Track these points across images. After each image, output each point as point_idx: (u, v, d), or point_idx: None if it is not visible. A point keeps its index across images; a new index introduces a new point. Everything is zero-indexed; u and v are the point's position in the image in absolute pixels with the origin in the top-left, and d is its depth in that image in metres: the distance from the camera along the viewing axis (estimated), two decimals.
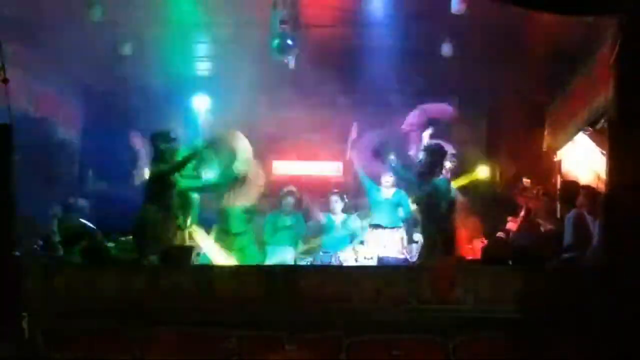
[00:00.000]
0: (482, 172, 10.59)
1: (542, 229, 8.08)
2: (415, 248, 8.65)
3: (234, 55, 8.95)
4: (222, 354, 5.81)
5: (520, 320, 5.67)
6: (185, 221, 8.38)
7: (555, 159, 10.12)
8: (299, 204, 9.64)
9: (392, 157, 9.15)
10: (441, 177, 7.87)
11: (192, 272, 6.35)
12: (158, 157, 7.93)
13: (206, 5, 7.99)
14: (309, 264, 8.63)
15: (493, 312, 5.70)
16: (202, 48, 9.50)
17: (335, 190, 9.78)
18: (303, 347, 5.79)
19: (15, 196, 5.68)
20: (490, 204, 10.27)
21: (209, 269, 7.12)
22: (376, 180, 9.21)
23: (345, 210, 9.51)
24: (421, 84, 10.05)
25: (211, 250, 8.78)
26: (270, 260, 8.86)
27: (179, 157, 8.01)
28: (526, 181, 8.90)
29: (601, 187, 7.33)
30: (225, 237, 9.13)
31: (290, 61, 8.75)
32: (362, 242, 9.06)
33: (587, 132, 8.43)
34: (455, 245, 7.75)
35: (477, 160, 10.75)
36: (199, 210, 9.24)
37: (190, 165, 8.24)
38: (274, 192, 10.15)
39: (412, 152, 8.91)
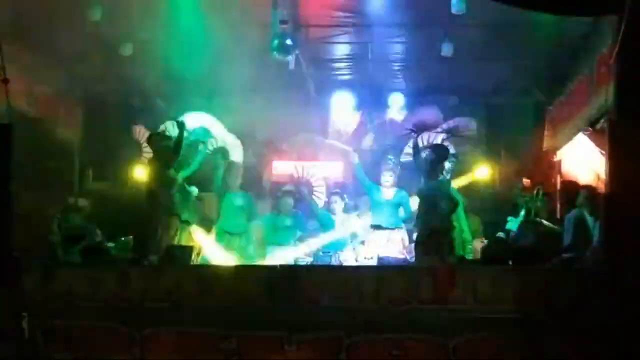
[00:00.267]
0: (482, 172, 10.60)
1: (542, 229, 8.07)
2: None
3: (234, 55, 8.94)
4: (222, 354, 5.81)
5: (520, 320, 5.66)
6: (188, 217, 8.43)
7: (555, 159, 10.13)
8: (300, 202, 9.64)
9: (390, 156, 9.19)
10: (442, 177, 7.93)
11: (192, 272, 6.35)
12: (156, 157, 7.98)
13: (206, 5, 7.98)
14: (309, 264, 8.63)
15: (493, 312, 5.70)
16: (201, 48, 9.47)
17: (336, 190, 9.78)
18: (303, 347, 5.78)
19: (15, 196, 5.69)
20: (490, 204, 10.28)
21: (209, 269, 7.11)
22: (376, 181, 9.21)
23: (345, 210, 9.51)
24: (455, 100, 10.16)
25: (211, 250, 8.80)
26: (270, 260, 8.86)
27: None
28: (526, 181, 8.90)
29: (601, 187, 7.33)
30: (225, 237, 9.15)
31: (290, 61, 8.74)
32: (362, 242, 9.06)
33: (587, 132, 8.43)
34: (453, 244, 7.76)
35: (477, 160, 10.78)
36: (199, 211, 9.28)
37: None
38: (273, 192, 10.16)
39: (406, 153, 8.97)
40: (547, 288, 5.78)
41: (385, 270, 7.11)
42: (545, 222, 8.00)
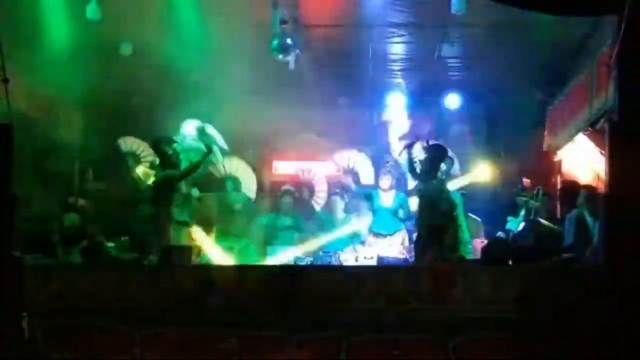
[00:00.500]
0: (482, 172, 10.60)
1: (542, 229, 8.08)
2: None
3: (233, 55, 8.94)
4: (222, 354, 5.81)
5: (520, 320, 5.66)
6: (189, 218, 8.45)
7: (555, 159, 10.13)
8: (300, 202, 9.64)
9: (388, 159, 9.20)
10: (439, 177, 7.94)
11: (192, 272, 6.35)
12: (162, 161, 8.00)
13: (206, 5, 7.98)
14: (309, 264, 8.62)
15: (493, 312, 5.70)
16: (201, 48, 9.48)
17: (336, 190, 9.78)
18: (303, 347, 5.78)
19: (15, 196, 5.69)
20: (490, 204, 10.28)
21: (209, 269, 7.11)
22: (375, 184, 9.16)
23: (345, 210, 9.51)
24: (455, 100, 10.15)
25: (211, 250, 8.80)
26: (270, 260, 8.86)
27: (184, 161, 8.09)
28: (526, 181, 8.90)
29: (601, 187, 7.33)
30: (225, 237, 9.15)
31: (290, 61, 8.74)
32: (362, 242, 9.06)
33: (587, 132, 8.44)
34: (456, 243, 7.76)
35: (477, 160, 10.78)
36: (199, 211, 9.28)
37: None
38: (273, 192, 10.17)
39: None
40: (547, 288, 5.78)
41: (385, 270, 7.12)
42: (545, 222, 8.01)
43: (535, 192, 8.39)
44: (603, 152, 6.85)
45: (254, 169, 10.89)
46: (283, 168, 11.23)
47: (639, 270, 5.46)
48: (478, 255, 7.63)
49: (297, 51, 8.62)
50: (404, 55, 9.78)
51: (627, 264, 5.49)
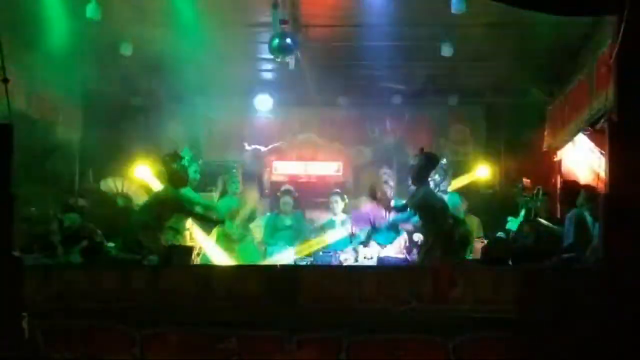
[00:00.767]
0: (482, 172, 10.61)
1: (542, 229, 8.07)
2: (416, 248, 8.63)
3: (233, 55, 8.95)
4: (222, 354, 5.81)
5: (520, 320, 5.66)
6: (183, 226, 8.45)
7: (555, 159, 10.13)
8: (298, 202, 9.64)
9: (384, 170, 9.17)
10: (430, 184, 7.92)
11: (192, 272, 6.35)
12: (170, 178, 7.98)
13: (206, 5, 7.97)
14: (309, 264, 8.62)
15: (493, 312, 5.70)
16: (201, 48, 9.49)
17: (336, 190, 9.78)
18: (303, 347, 5.78)
19: (15, 196, 5.69)
20: (490, 204, 10.29)
21: (209, 269, 7.11)
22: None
23: (345, 210, 9.51)
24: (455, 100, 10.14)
25: (211, 250, 8.80)
26: (270, 261, 8.86)
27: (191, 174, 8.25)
28: (526, 181, 8.90)
29: (601, 187, 7.33)
30: (225, 239, 9.15)
31: (290, 61, 8.74)
32: (362, 243, 9.04)
33: (587, 132, 8.44)
34: (454, 245, 7.73)
35: (477, 160, 10.79)
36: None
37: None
38: (273, 193, 10.17)
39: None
40: (547, 288, 5.78)
41: (385, 270, 7.12)
42: (545, 222, 8.00)
43: (535, 192, 8.38)
44: (603, 152, 6.85)
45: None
46: (283, 168, 11.24)
47: (639, 270, 5.46)
48: (478, 255, 7.63)
49: (297, 51, 8.60)
50: (403, 55, 9.77)
51: (627, 264, 5.49)
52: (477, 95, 11.00)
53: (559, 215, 8.46)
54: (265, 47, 8.33)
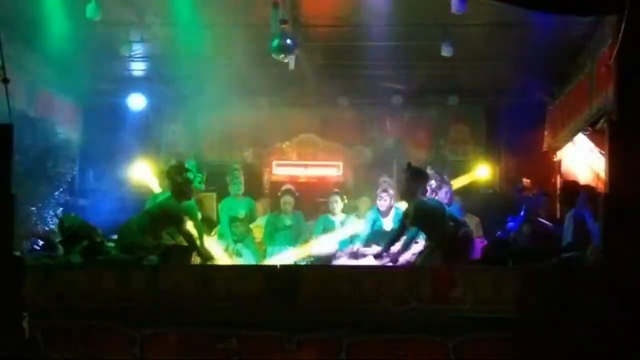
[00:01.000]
0: (482, 172, 10.61)
1: (542, 229, 8.07)
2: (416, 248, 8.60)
3: (234, 55, 8.95)
4: (222, 354, 5.81)
5: (520, 320, 5.66)
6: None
7: (555, 159, 10.13)
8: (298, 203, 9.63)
9: (384, 178, 9.14)
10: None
11: (192, 272, 6.35)
12: (174, 190, 7.85)
13: (206, 5, 7.97)
14: (309, 264, 8.62)
15: (493, 312, 5.70)
16: (200, 48, 9.50)
17: (336, 190, 9.77)
18: (303, 347, 5.79)
19: (15, 196, 5.69)
20: (490, 204, 10.28)
21: (209, 269, 7.11)
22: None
23: (345, 210, 9.50)
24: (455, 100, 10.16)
25: (211, 250, 8.78)
26: (270, 261, 8.86)
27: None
28: (526, 181, 8.91)
29: (601, 187, 7.33)
30: (225, 239, 9.15)
31: (290, 61, 8.74)
32: (362, 243, 9.02)
33: (587, 132, 8.43)
34: (457, 247, 7.70)
35: (477, 160, 10.79)
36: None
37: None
38: (273, 193, 10.16)
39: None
40: (547, 288, 5.78)
41: (385, 270, 7.12)
42: (545, 222, 8.00)
43: (535, 192, 8.37)
44: (603, 152, 6.85)
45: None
46: (283, 168, 11.23)
47: (639, 270, 5.47)
48: (478, 255, 7.63)
49: (297, 51, 8.60)
50: (403, 55, 9.76)
51: (627, 264, 5.50)
52: (477, 95, 11.00)
53: (559, 215, 8.46)
54: (266, 47, 8.33)
